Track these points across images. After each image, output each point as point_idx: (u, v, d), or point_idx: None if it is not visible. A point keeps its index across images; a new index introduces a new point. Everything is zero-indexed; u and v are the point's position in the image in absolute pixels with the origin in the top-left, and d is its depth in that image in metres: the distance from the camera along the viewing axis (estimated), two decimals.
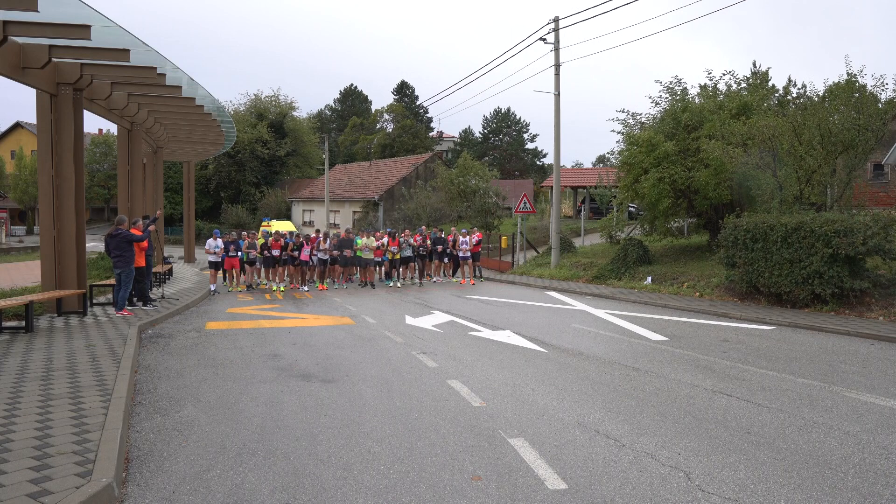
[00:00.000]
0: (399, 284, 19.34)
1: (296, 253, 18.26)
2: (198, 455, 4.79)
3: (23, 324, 9.91)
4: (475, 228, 22.65)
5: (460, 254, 20.22)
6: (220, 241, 17.84)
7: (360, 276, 19.56)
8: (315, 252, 18.57)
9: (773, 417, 5.72)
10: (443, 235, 20.80)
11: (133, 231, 12.13)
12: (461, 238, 20.22)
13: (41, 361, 7.47)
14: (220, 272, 18.22)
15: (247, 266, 18.55)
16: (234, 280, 18.53)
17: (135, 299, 12.84)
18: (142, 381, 7.12)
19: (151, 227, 12.75)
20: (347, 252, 18.67)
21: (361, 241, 19.01)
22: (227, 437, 5.20)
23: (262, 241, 18.66)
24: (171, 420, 5.66)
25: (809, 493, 4.13)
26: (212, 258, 17.71)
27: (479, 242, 21.10)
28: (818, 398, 6.35)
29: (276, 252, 18.02)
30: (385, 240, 19.42)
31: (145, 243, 12.38)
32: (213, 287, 16.99)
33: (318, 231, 19.55)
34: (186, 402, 6.23)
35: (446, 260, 20.63)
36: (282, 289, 17.81)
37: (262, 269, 18.60)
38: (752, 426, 5.47)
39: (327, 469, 4.53)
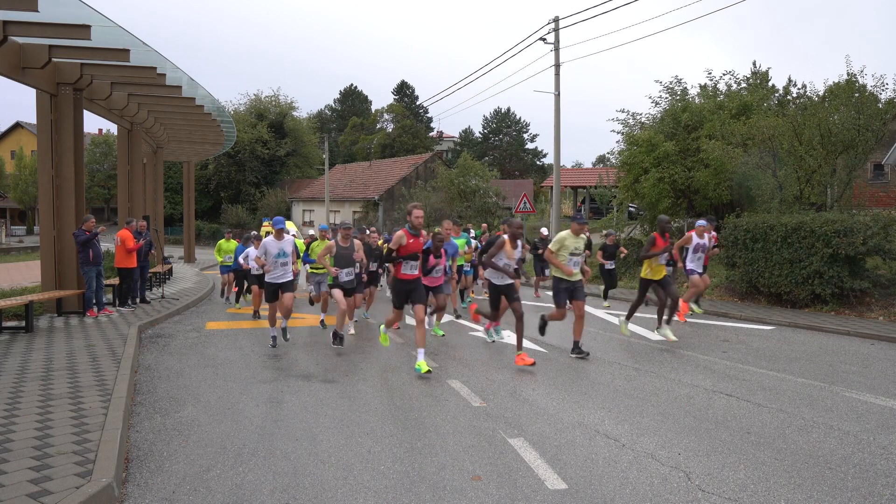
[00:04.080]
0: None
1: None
2: (198, 455, 4.79)
3: (23, 324, 9.90)
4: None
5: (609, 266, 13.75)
6: (272, 245, 9.18)
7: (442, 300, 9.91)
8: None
9: (773, 417, 5.72)
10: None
11: (124, 233, 12.12)
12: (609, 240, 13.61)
13: (41, 361, 7.47)
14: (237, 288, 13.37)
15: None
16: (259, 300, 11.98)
17: (135, 299, 12.84)
18: (142, 381, 7.12)
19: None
20: (443, 263, 9.71)
21: (461, 241, 11.57)
22: (227, 437, 5.20)
23: (301, 246, 11.85)
24: (171, 420, 5.65)
25: (809, 493, 4.12)
26: (256, 270, 11.11)
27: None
28: (818, 398, 6.35)
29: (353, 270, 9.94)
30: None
31: (131, 244, 12.03)
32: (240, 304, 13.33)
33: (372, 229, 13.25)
34: (186, 402, 6.22)
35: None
36: (352, 331, 10.46)
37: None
38: (752, 426, 5.47)
39: (327, 469, 4.53)
